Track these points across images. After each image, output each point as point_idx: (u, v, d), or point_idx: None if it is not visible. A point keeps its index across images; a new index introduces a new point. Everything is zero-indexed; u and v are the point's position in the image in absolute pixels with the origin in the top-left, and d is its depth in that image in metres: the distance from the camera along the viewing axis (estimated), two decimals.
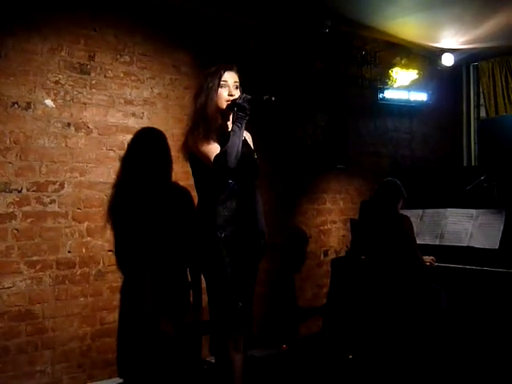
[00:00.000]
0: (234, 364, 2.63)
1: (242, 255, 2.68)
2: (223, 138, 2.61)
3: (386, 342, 3.64)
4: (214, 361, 3.30)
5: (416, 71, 4.90)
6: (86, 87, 3.32)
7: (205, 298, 3.75)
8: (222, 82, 2.67)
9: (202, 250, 2.70)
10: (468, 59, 5.50)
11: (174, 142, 3.64)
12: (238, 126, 2.56)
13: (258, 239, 2.79)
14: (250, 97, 2.57)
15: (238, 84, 2.71)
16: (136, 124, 3.54)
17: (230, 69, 2.71)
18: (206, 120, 2.64)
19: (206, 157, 2.61)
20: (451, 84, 5.70)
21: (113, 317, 3.41)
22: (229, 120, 2.71)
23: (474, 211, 3.97)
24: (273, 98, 2.59)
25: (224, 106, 2.66)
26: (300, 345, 4.23)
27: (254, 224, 2.76)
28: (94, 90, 3.36)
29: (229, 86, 2.67)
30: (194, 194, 3.30)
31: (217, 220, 2.63)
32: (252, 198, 2.75)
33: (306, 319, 4.46)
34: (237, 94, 2.67)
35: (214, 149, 2.59)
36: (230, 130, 2.63)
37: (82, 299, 3.30)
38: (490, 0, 3.93)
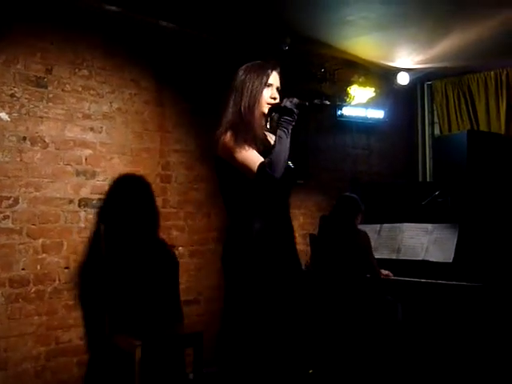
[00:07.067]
0: None
1: (283, 296, 2.33)
2: (261, 146, 2.26)
3: (345, 355, 3.67)
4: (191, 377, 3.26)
5: (373, 89, 5.01)
6: (42, 101, 3.26)
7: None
8: (268, 82, 2.32)
9: (236, 286, 2.30)
10: (422, 78, 5.68)
11: (133, 158, 3.65)
12: (284, 132, 2.21)
13: (297, 272, 2.41)
14: (298, 100, 2.24)
15: (279, 88, 2.37)
16: (94, 139, 3.49)
17: (276, 68, 2.37)
18: (250, 124, 2.26)
19: (244, 166, 2.20)
20: (407, 102, 5.85)
21: (68, 336, 3.32)
22: (265, 126, 2.37)
23: (429, 226, 4.07)
24: (327, 102, 2.33)
25: (265, 110, 2.31)
26: None
27: (292, 253, 2.37)
28: (50, 104, 3.30)
29: (272, 88, 2.34)
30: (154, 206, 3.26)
31: (254, 246, 2.24)
32: (288, 218, 2.36)
33: None
34: (278, 98, 2.34)
35: (255, 157, 2.20)
36: (269, 136, 2.33)
37: (37, 318, 3.20)
38: (443, 22, 4.07)
